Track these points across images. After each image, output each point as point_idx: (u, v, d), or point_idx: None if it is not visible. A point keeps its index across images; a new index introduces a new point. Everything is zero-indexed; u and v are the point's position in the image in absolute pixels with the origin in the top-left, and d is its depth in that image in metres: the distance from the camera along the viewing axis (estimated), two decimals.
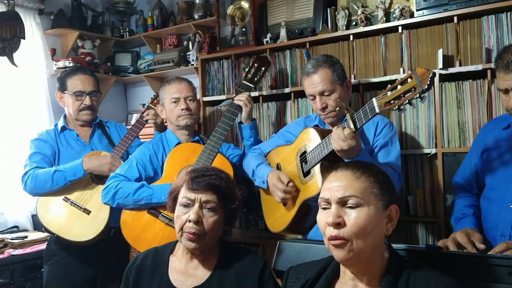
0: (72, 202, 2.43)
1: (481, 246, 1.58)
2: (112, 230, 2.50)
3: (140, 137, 2.73)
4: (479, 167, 1.87)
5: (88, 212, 2.43)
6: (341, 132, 1.71)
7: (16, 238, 2.98)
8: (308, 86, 2.11)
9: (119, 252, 2.56)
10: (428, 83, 1.42)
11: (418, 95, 1.45)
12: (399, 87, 1.51)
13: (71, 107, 2.56)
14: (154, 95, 2.73)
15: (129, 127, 2.67)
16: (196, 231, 1.53)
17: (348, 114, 1.72)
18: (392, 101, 1.53)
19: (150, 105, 2.67)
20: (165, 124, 2.72)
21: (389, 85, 1.56)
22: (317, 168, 1.93)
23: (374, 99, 1.60)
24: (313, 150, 1.95)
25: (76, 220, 2.41)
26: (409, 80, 1.48)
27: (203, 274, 1.59)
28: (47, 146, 2.52)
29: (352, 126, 1.70)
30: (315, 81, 2.08)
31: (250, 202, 2.99)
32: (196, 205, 1.55)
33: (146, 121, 2.63)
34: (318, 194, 1.86)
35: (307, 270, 1.33)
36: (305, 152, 2.04)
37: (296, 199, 2.06)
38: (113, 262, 2.49)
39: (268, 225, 2.31)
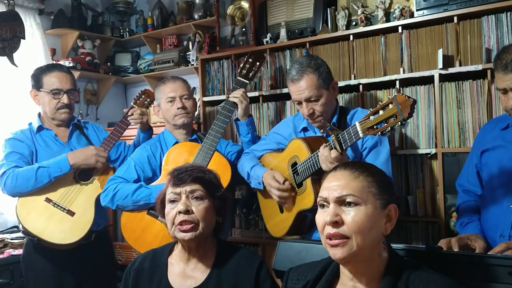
0: (55, 203, 2.33)
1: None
2: (94, 234, 2.42)
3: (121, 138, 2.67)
4: (480, 168, 1.87)
5: (72, 213, 2.34)
6: (328, 154, 1.72)
7: (16, 238, 2.98)
8: (293, 92, 2.09)
9: (102, 257, 2.50)
10: (409, 111, 1.39)
11: (399, 123, 1.43)
12: (381, 112, 1.49)
13: (47, 105, 2.44)
14: (138, 95, 2.66)
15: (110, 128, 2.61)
16: (188, 219, 1.54)
17: (333, 135, 1.72)
18: (375, 127, 1.52)
19: (134, 105, 2.60)
20: (161, 124, 2.71)
21: (371, 109, 1.54)
22: (309, 182, 1.95)
23: (357, 123, 1.60)
24: (303, 163, 1.97)
25: (59, 222, 2.31)
26: (390, 106, 1.45)
27: (201, 274, 1.59)
28: (24, 146, 2.40)
29: (338, 147, 1.70)
30: (301, 88, 2.05)
31: (250, 202, 2.99)
32: (183, 196, 1.57)
33: (137, 122, 2.55)
34: (313, 207, 1.89)
35: (307, 271, 1.33)
36: (296, 163, 2.06)
37: (291, 208, 2.07)
38: (98, 267, 2.45)
39: (269, 228, 2.32)
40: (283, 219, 2.14)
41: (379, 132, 1.50)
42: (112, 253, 2.66)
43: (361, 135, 1.59)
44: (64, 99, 2.44)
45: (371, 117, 1.53)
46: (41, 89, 2.45)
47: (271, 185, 2.06)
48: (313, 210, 1.91)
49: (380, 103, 1.49)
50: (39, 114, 2.54)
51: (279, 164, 2.17)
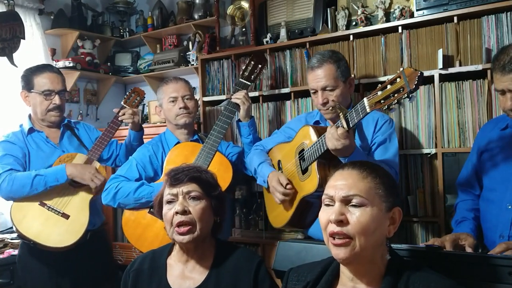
0: (49, 207, 2.32)
1: (469, 250, 1.59)
2: (89, 233, 2.41)
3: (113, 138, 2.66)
4: (478, 168, 1.87)
5: (66, 216, 2.32)
6: (334, 131, 1.73)
7: (16, 238, 2.98)
8: (311, 80, 2.13)
9: (99, 256, 2.49)
10: (415, 83, 1.42)
11: (406, 95, 1.45)
12: (388, 86, 1.51)
13: (38, 107, 2.43)
14: (127, 94, 2.62)
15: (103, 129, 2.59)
16: (185, 220, 1.53)
17: (341, 113, 1.74)
18: (382, 101, 1.53)
19: (124, 105, 2.57)
20: (162, 124, 2.72)
21: (379, 85, 1.56)
22: (314, 166, 1.94)
23: (365, 99, 1.62)
24: (310, 148, 1.98)
25: (55, 225, 2.30)
26: (397, 80, 1.48)
27: (200, 275, 1.59)
28: (17, 148, 2.38)
29: (345, 125, 1.72)
30: (319, 76, 2.09)
31: (250, 202, 2.99)
32: (180, 197, 1.57)
33: (121, 121, 2.53)
34: (316, 192, 1.90)
35: (308, 271, 1.33)
36: (303, 149, 2.06)
37: (295, 196, 2.07)
38: (94, 267, 2.44)
39: (270, 220, 2.33)
40: (286, 209, 2.14)
41: (386, 106, 1.51)
42: (110, 252, 2.64)
43: (368, 110, 1.60)
44: (56, 100, 2.43)
45: (379, 92, 1.55)
46: (32, 90, 2.43)
47: (276, 188, 2.08)
48: (316, 197, 1.91)
49: (388, 78, 1.50)
50: (30, 116, 2.52)
51: (287, 153, 2.19)
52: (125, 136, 2.67)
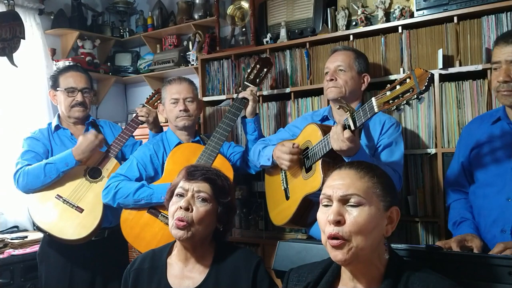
0: (64, 200, 2.40)
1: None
2: (107, 231, 2.49)
3: (136, 137, 2.74)
4: (466, 165, 1.87)
5: (81, 210, 2.39)
6: (340, 132, 1.73)
7: (16, 238, 2.98)
8: (329, 61, 2.27)
9: (116, 253, 2.54)
10: (426, 84, 1.42)
11: (416, 96, 1.46)
12: (398, 87, 1.51)
13: (63, 103, 2.55)
14: (151, 94, 2.71)
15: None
16: (184, 217, 1.54)
17: (348, 112, 1.73)
18: (390, 101, 1.53)
19: (145, 104, 2.67)
20: (164, 123, 2.73)
21: (388, 85, 1.56)
22: (318, 165, 1.94)
23: (373, 99, 1.61)
24: (314, 146, 1.97)
25: (69, 218, 2.38)
26: (407, 80, 1.48)
27: (199, 274, 1.60)
28: (40, 145, 2.50)
29: (351, 124, 1.71)
30: (337, 58, 2.23)
31: (250, 202, 2.99)
32: (189, 194, 1.58)
33: (142, 120, 2.61)
34: (319, 190, 1.89)
35: (308, 272, 1.33)
36: (307, 148, 2.05)
37: (298, 193, 2.07)
38: (111, 264, 2.48)
39: (272, 218, 2.32)
40: (288, 207, 2.14)
41: (395, 107, 1.51)
42: (126, 250, 2.68)
43: (376, 110, 1.60)
44: (79, 97, 2.54)
45: (388, 92, 1.54)
46: (58, 89, 2.56)
47: (282, 150, 2.07)
48: (319, 195, 1.90)
49: (391, 78, 1.51)
50: (58, 115, 2.63)
51: None
52: (140, 135, 2.75)
